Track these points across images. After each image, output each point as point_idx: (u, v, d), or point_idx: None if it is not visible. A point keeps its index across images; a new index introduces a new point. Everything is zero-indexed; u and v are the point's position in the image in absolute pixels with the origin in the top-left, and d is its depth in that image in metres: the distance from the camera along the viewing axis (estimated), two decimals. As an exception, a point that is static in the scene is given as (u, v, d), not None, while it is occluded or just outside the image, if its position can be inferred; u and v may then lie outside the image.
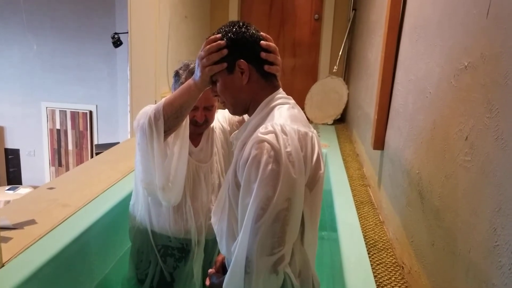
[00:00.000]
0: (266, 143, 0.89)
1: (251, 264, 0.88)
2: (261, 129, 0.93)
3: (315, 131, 1.02)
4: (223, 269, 1.20)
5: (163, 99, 1.30)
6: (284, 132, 0.91)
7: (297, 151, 0.90)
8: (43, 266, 1.33)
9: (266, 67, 1.04)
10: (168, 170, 1.38)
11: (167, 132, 1.31)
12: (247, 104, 1.06)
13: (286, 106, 1.02)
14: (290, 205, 0.89)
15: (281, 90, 1.07)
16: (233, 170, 0.99)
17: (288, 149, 0.89)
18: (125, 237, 1.63)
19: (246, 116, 1.11)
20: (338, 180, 2.34)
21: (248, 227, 0.89)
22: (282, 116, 0.97)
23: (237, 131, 1.09)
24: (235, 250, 0.93)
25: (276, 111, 0.99)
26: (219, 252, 1.27)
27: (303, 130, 0.95)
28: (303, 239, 0.99)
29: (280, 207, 0.87)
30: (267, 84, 1.05)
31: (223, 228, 1.06)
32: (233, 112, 1.11)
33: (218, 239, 1.10)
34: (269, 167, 0.87)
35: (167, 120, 1.28)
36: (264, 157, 0.88)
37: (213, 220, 1.11)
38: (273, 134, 0.90)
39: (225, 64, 1.04)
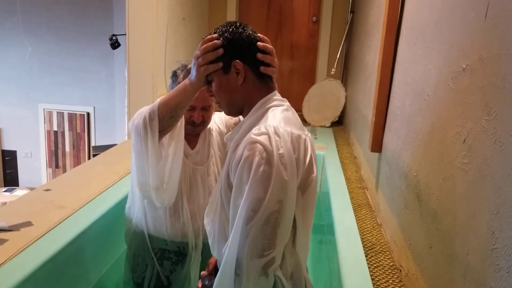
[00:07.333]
0: (258, 145, 0.88)
1: (241, 266, 0.87)
2: (254, 130, 0.92)
3: (309, 134, 1.01)
4: (216, 271, 1.20)
5: (158, 99, 1.29)
6: (277, 134, 0.90)
7: (289, 153, 0.90)
8: (38, 268, 1.32)
9: (262, 69, 1.03)
10: (162, 171, 1.37)
11: (162, 132, 1.31)
12: (241, 105, 1.05)
13: (281, 108, 1.01)
14: (281, 207, 0.88)
15: (276, 92, 1.06)
16: (226, 171, 0.98)
17: (281, 151, 0.88)
18: (122, 239, 1.62)
19: (242, 118, 1.10)
20: (336, 183, 2.33)
21: (238, 228, 0.88)
22: (276, 118, 0.96)
23: (231, 131, 1.08)
24: (225, 252, 0.92)
25: (270, 113, 0.99)
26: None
27: (296, 132, 0.95)
28: (295, 241, 0.98)
29: (271, 209, 0.87)
30: (262, 85, 1.04)
31: (215, 230, 1.05)
32: (228, 112, 1.10)
33: (210, 240, 1.09)
34: (261, 168, 0.87)
35: (162, 120, 1.27)
36: (256, 159, 0.87)
37: (206, 221, 1.10)
38: (266, 136, 0.90)
39: (220, 64, 1.03)
